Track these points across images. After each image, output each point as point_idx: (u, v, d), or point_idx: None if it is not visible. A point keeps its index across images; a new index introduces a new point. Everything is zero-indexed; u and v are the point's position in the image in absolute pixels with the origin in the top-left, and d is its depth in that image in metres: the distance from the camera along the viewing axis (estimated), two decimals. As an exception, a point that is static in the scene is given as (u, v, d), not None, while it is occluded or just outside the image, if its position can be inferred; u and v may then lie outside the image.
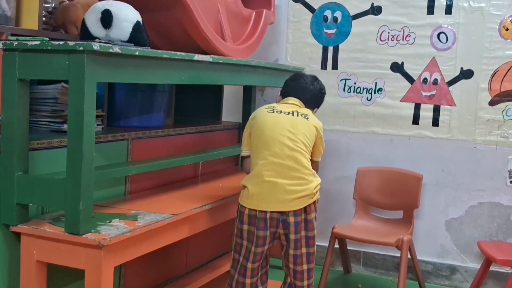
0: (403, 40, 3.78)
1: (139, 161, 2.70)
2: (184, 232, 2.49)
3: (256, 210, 2.45)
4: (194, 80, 2.61)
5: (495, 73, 3.60)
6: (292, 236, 2.46)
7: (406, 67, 3.78)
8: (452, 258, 3.78)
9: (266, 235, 2.46)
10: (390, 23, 3.80)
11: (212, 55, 2.74)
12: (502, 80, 3.58)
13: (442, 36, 3.69)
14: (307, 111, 2.65)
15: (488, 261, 3.38)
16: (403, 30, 3.77)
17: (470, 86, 3.66)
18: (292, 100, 2.67)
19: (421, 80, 3.75)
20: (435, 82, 3.71)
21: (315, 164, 2.64)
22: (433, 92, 3.73)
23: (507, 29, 3.55)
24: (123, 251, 2.09)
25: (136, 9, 2.45)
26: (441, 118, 3.72)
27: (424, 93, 3.75)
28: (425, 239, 3.80)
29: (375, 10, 3.82)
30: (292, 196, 2.43)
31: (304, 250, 2.50)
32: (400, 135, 3.82)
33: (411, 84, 3.77)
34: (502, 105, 3.61)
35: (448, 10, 3.66)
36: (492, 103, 3.62)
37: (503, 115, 3.60)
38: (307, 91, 2.70)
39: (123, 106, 2.98)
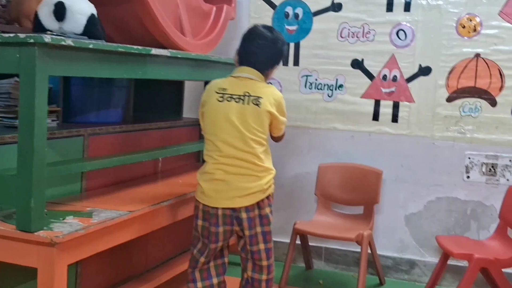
0: (363, 37, 3.81)
1: (94, 157, 2.64)
2: (141, 230, 2.45)
3: (209, 206, 2.44)
4: (151, 75, 2.58)
5: (452, 70, 3.66)
6: (247, 232, 2.46)
7: (366, 64, 3.81)
8: (411, 252, 3.84)
9: (218, 232, 2.46)
10: (351, 20, 3.82)
11: (170, 50, 2.70)
12: (459, 77, 3.65)
13: (401, 33, 3.73)
14: (260, 91, 2.48)
15: (446, 255, 3.44)
16: (363, 27, 3.80)
17: (428, 83, 3.71)
18: (246, 72, 2.53)
19: (381, 77, 3.79)
20: (395, 79, 3.76)
21: (276, 138, 2.66)
22: (393, 89, 3.77)
23: (463, 27, 3.62)
24: (77, 249, 2.04)
25: (93, 2, 2.40)
26: (400, 114, 3.77)
27: (383, 90, 3.79)
28: (385, 234, 3.84)
29: (336, 7, 3.84)
30: (243, 193, 2.41)
31: (262, 246, 2.49)
32: (360, 131, 3.86)
33: (371, 80, 3.81)
34: (459, 102, 3.67)
35: (407, 7, 3.70)
36: (449, 99, 3.68)
37: (460, 111, 3.67)
38: (261, 56, 2.54)
39: (79, 101, 2.92)
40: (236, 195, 2.41)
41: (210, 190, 2.44)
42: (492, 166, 3.64)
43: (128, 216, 2.29)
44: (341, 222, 3.70)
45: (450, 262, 3.50)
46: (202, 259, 2.51)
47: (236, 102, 2.45)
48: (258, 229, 2.46)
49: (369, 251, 3.50)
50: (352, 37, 3.83)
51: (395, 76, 3.76)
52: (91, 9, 2.34)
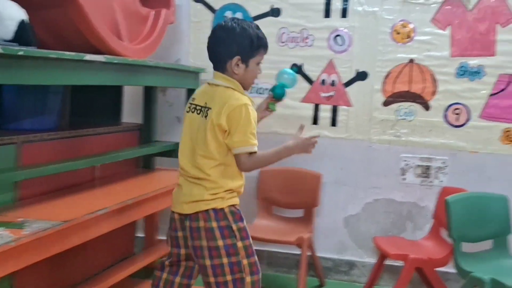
0: (302, 42, 3.87)
1: (28, 165, 2.56)
2: (76, 240, 2.38)
3: (171, 211, 2.47)
4: (86, 81, 2.52)
5: (388, 75, 3.77)
6: (190, 243, 2.35)
7: (306, 69, 3.88)
8: (350, 254, 3.93)
9: (178, 236, 2.42)
10: (290, 25, 3.87)
11: (106, 55, 2.66)
12: (395, 81, 3.76)
13: (339, 39, 3.81)
14: (215, 100, 2.29)
15: (383, 256, 3.54)
16: (302, 33, 3.86)
17: (365, 88, 3.81)
18: (214, 76, 2.39)
19: (320, 82, 3.86)
20: (333, 83, 3.84)
21: (236, 158, 2.32)
22: (331, 93, 3.85)
23: (398, 33, 3.73)
24: (7, 261, 1.97)
25: (24, 6, 2.32)
26: (339, 118, 3.85)
27: (322, 94, 3.86)
28: (325, 236, 3.92)
29: (274, 12, 3.88)
30: (187, 200, 2.34)
31: (207, 262, 2.30)
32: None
33: (311, 85, 3.87)
34: (395, 106, 3.78)
35: (344, 13, 3.79)
36: (385, 103, 3.79)
37: (396, 115, 3.78)
38: (213, 53, 2.37)
39: (12, 107, 2.83)
40: (183, 200, 2.35)
41: (173, 194, 2.45)
42: (426, 169, 3.77)
43: (62, 226, 2.22)
44: (282, 225, 3.75)
45: (387, 262, 3.61)
46: (166, 262, 2.49)
47: (197, 114, 2.35)
48: (203, 242, 2.30)
49: (310, 253, 3.56)
50: (291, 42, 3.88)
51: (333, 81, 3.84)
52: (22, 15, 2.27)
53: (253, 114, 2.31)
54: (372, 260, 3.81)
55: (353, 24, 3.78)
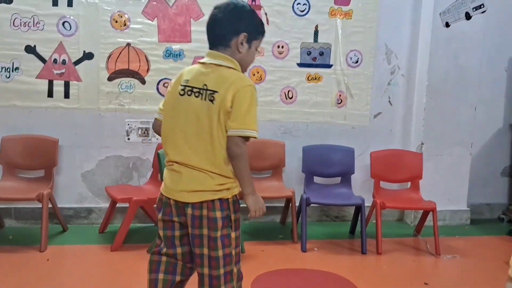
0: (34, 26, 4.44)
1: None
2: None
3: (164, 196, 2.32)
4: None
5: (110, 55, 4.60)
6: (190, 230, 2.26)
7: (39, 50, 4.48)
8: (88, 202, 4.76)
9: (174, 221, 2.30)
10: (21, 11, 4.41)
11: None
12: (116, 61, 4.61)
13: (67, 24, 4.49)
14: (217, 84, 2.17)
15: (113, 201, 4.44)
16: (33, 18, 4.43)
17: (92, 66, 4.59)
18: (208, 56, 2.27)
19: (52, 61, 4.51)
20: (64, 62, 4.53)
21: (231, 140, 2.16)
22: (63, 71, 4.54)
23: (116, 21, 4.57)
24: None
25: None
26: (71, 91, 4.58)
27: (55, 71, 4.53)
28: (66, 190, 4.67)
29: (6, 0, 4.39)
30: (189, 188, 2.21)
31: (205, 251, 2.23)
32: (38, 107, 4.54)
33: (44, 63, 4.50)
34: (117, 81, 4.65)
35: (70, 3, 4.47)
36: (110, 79, 4.63)
37: (119, 88, 4.66)
38: (218, 28, 2.25)
39: None
40: (183, 189, 2.21)
41: (168, 179, 2.29)
42: (146, 130, 4.76)
43: None
44: (24, 185, 4.37)
45: (119, 205, 4.52)
46: (155, 248, 2.38)
47: (196, 97, 2.20)
48: (204, 231, 2.21)
49: (51, 206, 4.28)
50: (24, 26, 4.43)
51: (64, 60, 4.52)
52: None
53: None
54: (106, 205, 4.69)
55: (78, 13, 4.50)
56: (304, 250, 4.22)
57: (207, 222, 2.20)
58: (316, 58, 4.95)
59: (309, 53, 4.94)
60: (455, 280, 3.92)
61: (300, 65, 4.95)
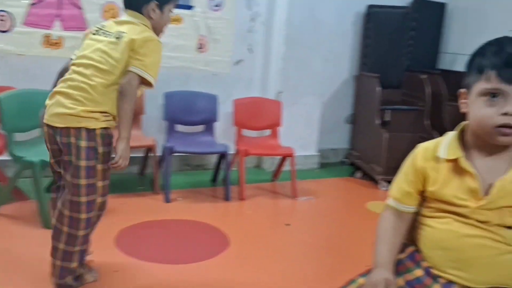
0: None
1: None
2: None
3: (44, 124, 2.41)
4: None
5: None
6: (63, 156, 2.38)
7: None
8: None
9: (52, 148, 2.43)
10: None
11: None
12: None
13: None
14: (128, 30, 2.34)
15: None
16: None
17: None
18: (128, 14, 2.44)
19: None
20: None
21: (127, 75, 2.29)
22: None
23: None
24: None
25: None
26: None
27: None
28: None
29: None
30: (59, 112, 2.29)
31: (68, 177, 2.34)
32: None
33: None
34: None
35: None
36: None
37: None
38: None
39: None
40: (54, 112, 2.30)
41: (47, 104, 2.37)
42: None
43: None
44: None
45: None
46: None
47: (105, 36, 2.36)
48: (72, 158, 2.31)
49: None
50: None
51: None
52: None
53: None
54: None
55: None
56: (168, 201, 4.06)
57: (74, 150, 2.28)
58: (175, -1, 4.67)
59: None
60: (313, 219, 4.14)
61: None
